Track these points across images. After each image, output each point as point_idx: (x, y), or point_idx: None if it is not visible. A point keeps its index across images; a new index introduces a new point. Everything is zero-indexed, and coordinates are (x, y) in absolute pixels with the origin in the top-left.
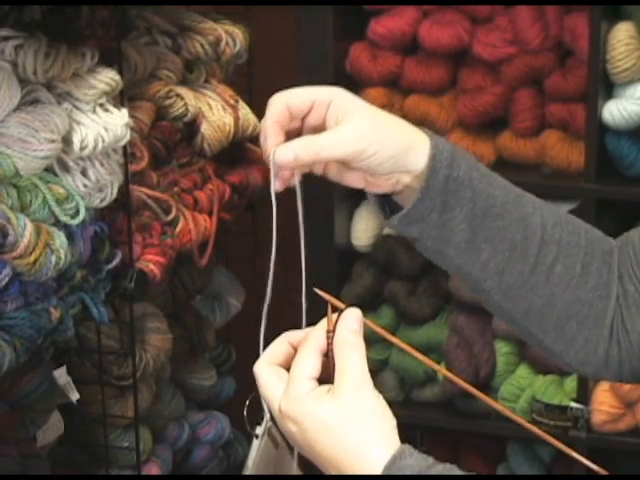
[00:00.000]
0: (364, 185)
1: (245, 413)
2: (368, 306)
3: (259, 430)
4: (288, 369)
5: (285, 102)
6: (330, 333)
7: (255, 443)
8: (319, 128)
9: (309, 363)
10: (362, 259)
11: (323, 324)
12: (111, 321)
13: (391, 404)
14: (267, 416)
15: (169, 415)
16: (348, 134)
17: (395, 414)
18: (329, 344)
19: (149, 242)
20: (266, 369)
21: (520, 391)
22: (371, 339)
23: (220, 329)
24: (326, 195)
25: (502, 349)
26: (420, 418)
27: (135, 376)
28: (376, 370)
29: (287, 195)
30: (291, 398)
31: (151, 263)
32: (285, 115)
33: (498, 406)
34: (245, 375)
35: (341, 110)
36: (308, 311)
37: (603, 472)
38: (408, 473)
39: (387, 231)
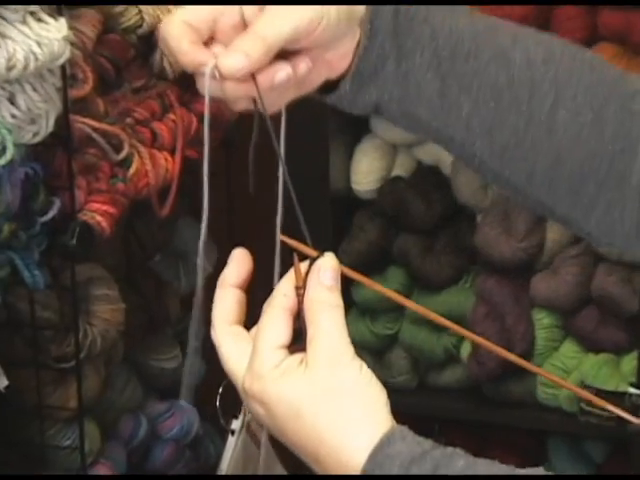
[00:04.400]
0: (328, 72)
1: (218, 403)
2: (372, 267)
3: (235, 425)
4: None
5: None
6: (300, 290)
7: (231, 441)
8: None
9: (275, 329)
10: (365, 208)
11: (290, 278)
12: (48, 287)
13: (402, 391)
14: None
15: (122, 406)
16: (286, 10)
17: (407, 403)
18: (300, 303)
19: (95, 187)
20: (227, 333)
21: (565, 374)
22: (377, 309)
23: (186, 296)
24: (318, 127)
25: (542, 321)
26: (438, 408)
27: (78, 357)
28: (383, 349)
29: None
30: (255, 374)
31: (98, 214)
32: (194, 30)
33: (554, 378)
34: (218, 355)
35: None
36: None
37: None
38: (397, 462)
39: (397, 172)
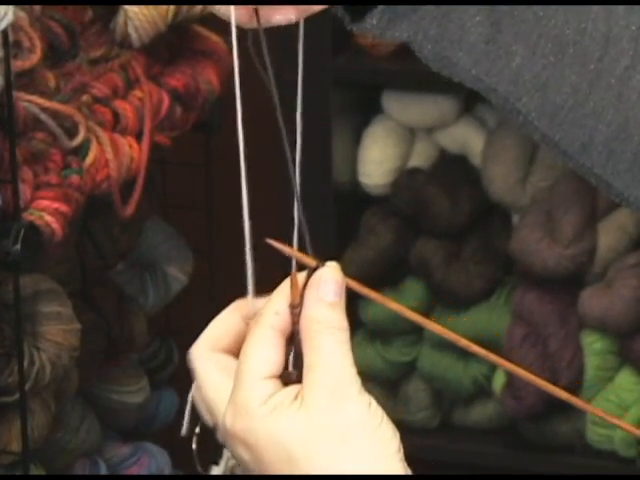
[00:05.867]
0: None
1: (194, 445)
2: (385, 280)
3: (216, 472)
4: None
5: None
6: (295, 308)
7: None
8: None
9: (264, 354)
10: (375, 206)
11: (284, 293)
12: None
13: (421, 431)
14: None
15: (76, 448)
16: None
17: (427, 446)
18: (294, 323)
19: (44, 180)
20: (210, 359)
21: (621, 410)
22: (390, 331)
23: (155, 315)
24: (317, 105)
25: (593, 345)
26: (465, 452)
27: (23, 389)
28: (397, 379)
29: (254, 100)
30: (239, 409)
31: (47, 213)
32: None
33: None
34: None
35: None
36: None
37: None
38: None
39: (415, 162)
